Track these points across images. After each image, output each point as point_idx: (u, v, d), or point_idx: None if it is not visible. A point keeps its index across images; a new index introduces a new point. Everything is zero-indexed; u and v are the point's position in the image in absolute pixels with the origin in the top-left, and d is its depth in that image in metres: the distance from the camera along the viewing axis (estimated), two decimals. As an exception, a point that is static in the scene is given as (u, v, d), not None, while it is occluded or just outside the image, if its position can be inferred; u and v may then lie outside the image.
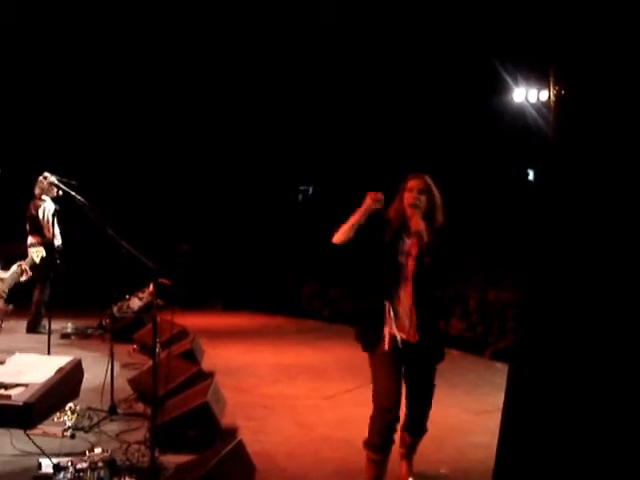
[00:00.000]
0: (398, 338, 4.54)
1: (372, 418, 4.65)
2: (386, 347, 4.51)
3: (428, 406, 4.78)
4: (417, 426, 4.86)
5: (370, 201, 4.49)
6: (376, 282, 4.66)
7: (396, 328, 4.55)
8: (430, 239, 4.50)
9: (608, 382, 2.97)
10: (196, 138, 16.83)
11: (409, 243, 4.61)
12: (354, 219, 4.52)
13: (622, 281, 2.99)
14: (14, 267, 5.31)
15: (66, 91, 14.83)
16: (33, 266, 5.94)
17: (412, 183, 4.67)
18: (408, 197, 4.63)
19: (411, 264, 4.58)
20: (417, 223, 4.55)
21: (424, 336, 4.58)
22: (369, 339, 4.65)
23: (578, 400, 3.04)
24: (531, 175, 17.33)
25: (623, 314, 2.98)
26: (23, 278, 5.42)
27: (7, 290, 5.06)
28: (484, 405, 6.75)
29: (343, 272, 4.45)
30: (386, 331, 4.53)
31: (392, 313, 4.55)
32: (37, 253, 5.72)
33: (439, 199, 4.68)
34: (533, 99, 15.40)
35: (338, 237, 4.58)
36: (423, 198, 4.62)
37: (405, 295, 4.58)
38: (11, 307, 5.39)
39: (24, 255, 7.78)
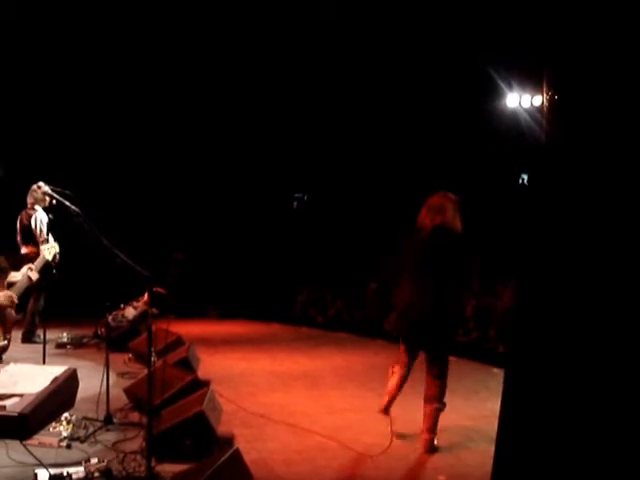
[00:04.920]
0: None
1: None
2: None
3: None
4: None
5: None
6: None
7: None
8: None
9: (604, 386, 2.97)
10: (191, 146, 16.83)
11: None
12: None
13: (617, 284, 2.99)
14: (24, 269, 5.16)
15: (60, 100, 14.80)
16: (45, 265, 5.68)
17: None
18: None
19: None
20: None
21: None
22: None
23: (575, 404, 3.04)
24: (525, 179, 17.37)
25: (618, 317, 2.98)
26: (33, 278, 5.24)
27: (18, 296, 4.92)
28: (481, 411, 6.75)
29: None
30: None
31: None
32: (49, 250, 5.50)
33: None
34: (526, 104, 15.43)
35: None
36: None
37: None
38: (20, 316, 5.22)
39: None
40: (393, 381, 6.05)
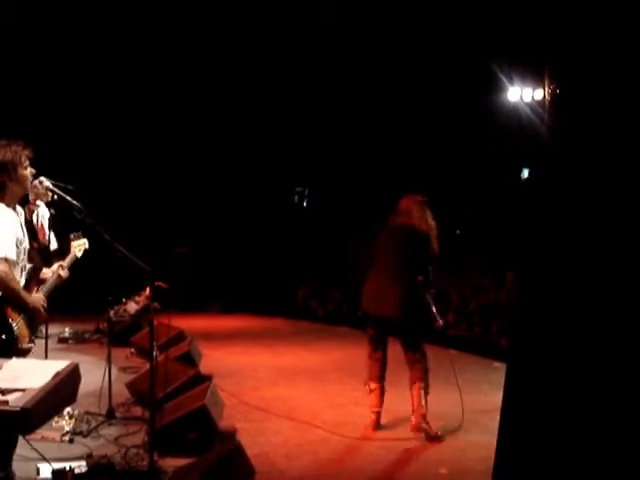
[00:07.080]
0: None
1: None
2: None
3: None
4: None
5: None
6: None
7: None
8: None
9: (605, 380, 2.97)
10: (193, 141, 16.81)
11: None
12: None
13: (617, 278, 2.99)
14: (54, 267, 5.13)
15: (63, 94, 14.78)
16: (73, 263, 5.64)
17: None
18: None
19: None
20: None
21: None
22: None
23: (575, 398, 3.04)
24: (526, 173, 17.34)
25: (618, 311, 2.98)
26: (64, 276, 5.19)
27: (47, 294, 4.88)
28: (483, 405, 6.75)
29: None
30: None
31: None
32: (79, 247, 5.45)
33: None
34: (528, 98, 15.39)
35: None
36: None
37: None
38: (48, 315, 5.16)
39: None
40: (373, 398, 6.12)
